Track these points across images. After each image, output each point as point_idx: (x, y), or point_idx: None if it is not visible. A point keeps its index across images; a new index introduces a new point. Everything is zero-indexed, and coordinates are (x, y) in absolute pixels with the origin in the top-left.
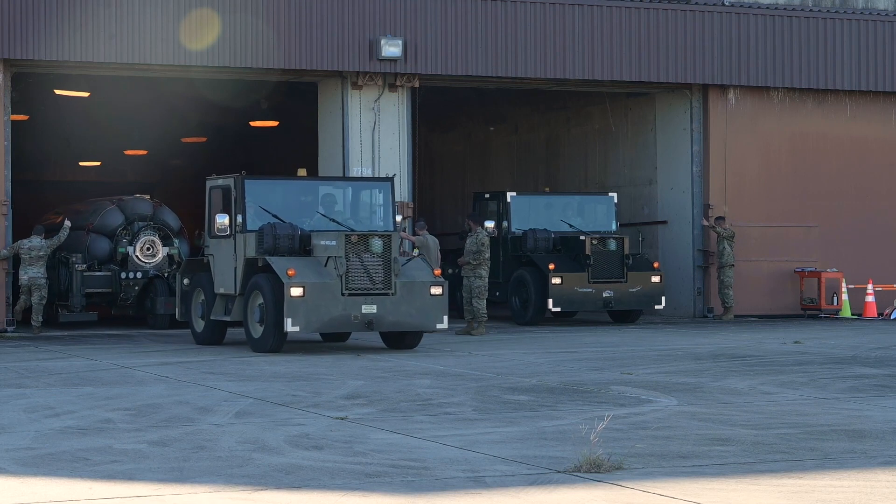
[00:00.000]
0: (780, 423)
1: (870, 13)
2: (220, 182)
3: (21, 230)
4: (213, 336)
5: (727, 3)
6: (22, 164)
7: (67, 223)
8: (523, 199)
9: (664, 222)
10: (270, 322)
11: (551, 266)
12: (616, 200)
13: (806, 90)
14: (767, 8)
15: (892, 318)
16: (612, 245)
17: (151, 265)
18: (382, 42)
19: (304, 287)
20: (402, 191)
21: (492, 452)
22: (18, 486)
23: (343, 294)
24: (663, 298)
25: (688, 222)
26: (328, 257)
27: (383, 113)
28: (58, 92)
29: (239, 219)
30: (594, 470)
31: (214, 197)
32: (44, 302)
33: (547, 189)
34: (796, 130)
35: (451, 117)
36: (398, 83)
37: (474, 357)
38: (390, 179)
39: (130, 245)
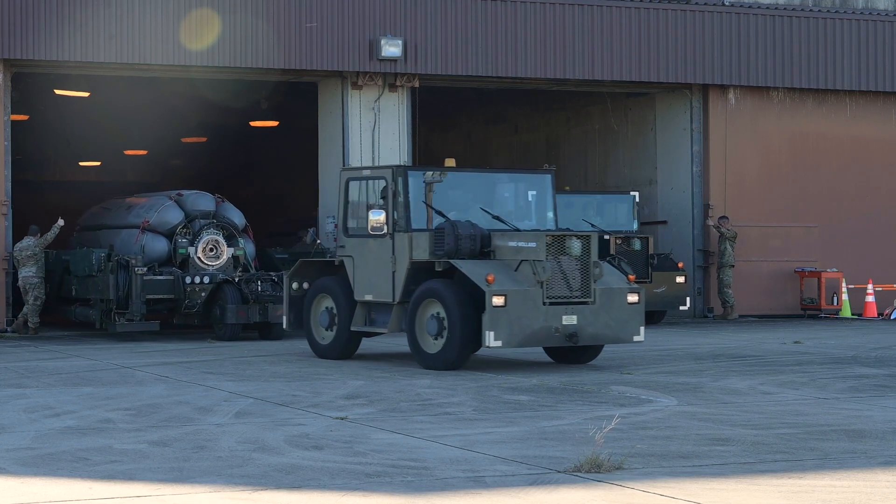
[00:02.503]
0: (780, 423)
1: (870, 13)
2: (367, 174)
3: (21, 230)
4: (346, 348)
5: (727, 3)
6: (22, 164)
7: (60, 221)
8: None
9: (664, 222)
10: (457, 336)
11: None
12: (637, 199)
13: (806, 90)
14: (767, 8)
15: (892, 318)
16: (637, 245)
17: (215, 268)
18: (382, 42)
19: (505, 296)
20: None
21: (492, 452)
22: (18, 486)
23: (544, 303)
24: (688, 299)
25: (688, 222)
26: (520, 261)
27: (383, 113)
28: (58, 92)
29: (396, 215)
30: (594, 470)
31: (355, 190)
32: (38, 303)
33: (567, 188)
34: (796, 130)
35: (451, 117)
36: (398, 83)
37: (474, 357)
38: (551, 171)
39: (191, 245)
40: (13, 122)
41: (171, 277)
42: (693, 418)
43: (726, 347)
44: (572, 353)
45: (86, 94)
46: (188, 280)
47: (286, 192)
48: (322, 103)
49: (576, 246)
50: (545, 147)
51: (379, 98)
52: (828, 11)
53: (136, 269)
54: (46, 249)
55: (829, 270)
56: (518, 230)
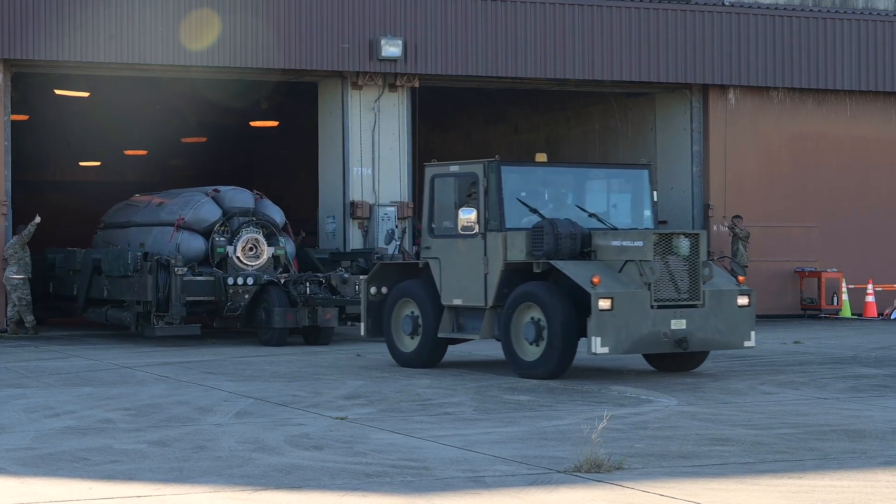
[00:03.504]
0: (780, 423)
1: (870, 13)
2: (454, 169)
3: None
4: (431, 356)
5: (727, 3)
6: (22, 164)
7: (37, 218)
8: None
9: (664, 222)
10: (559, 342)
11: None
12: (656, 199)
13: (806, 90)
14: (767, 8)
15: (892, 318)
16: None
17: (254, 268)
18: (382, 42)
19: (612, 299)
20: (402, 191)
21: (492, 452)
22: (18, 486)
23: (652, 307)
24: None
25: (688, 222)
26: (625, 261)
27: (383, 113)
28: (58, 92)
29: (488, 214)
30: (594, 470)
31: (442, 187)
32: (23, 302)
33: None
34: (796, 130)
35: (451, 117)
36: (398, 83)
37: (473, 357)
38: (648, 166)
39: (230, 244)
40: (13, 122)
41: (212, 278)
42: (693, 418)
43: None
44: (676, 359)
45: (86, 94)
46: (230, 281)
47: (286, 192)
48: (322, 103)
49: (684, 245)
50: (545, 147)
51: (379, 98)
52: (828, 11)
53: (176, 269)
54: (72, 248)
55: (829, 270)
56: (616, 229)
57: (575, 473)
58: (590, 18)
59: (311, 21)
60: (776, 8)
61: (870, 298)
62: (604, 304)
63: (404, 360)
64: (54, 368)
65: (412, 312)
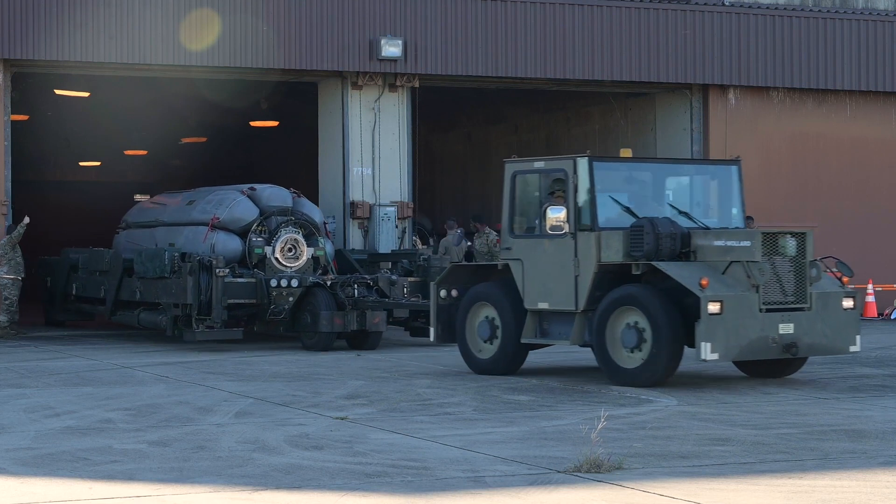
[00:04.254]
0: (780, 423)
1: (870, 13)
2: (540, 166)
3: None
4: (511, 363)
5: (727, 3)
6: (22, 164)
7: (26, 219)
8: None
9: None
10: (664, 348)
11: None
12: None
13: (806, 90)
14: (767, 8)
15: (892, 317)
16: None
17: (293, 269)
18: (382, 42)
19: (721, 302)
20: (403, 191)
21: (492, 452)
22: (18, 486)
23: (760, 310)
24: None
25: None
26: (730, 262)
27: (383, 113)
28: (58, 92)
29: (576, 212)
30: (594, 470)
31: (524, 185)
32: (8, 303)
33: None
34: (796, 130)
35: (451, 117)
36: (398, 83)
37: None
38: (738, 162)
39: (268, 245)
40: (13, 122)
41: (253, 280)
42: (693, 418)
43: None
44: (773, 365)
45: (86, 94)
46: (273, 283)
47: None
48: (322, 103)
49: (790, 245)
50: (545, 147)
51: (379, 98)
52: (828, 11)
53: (218, 270)
54: (99, 249)
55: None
56: (708, 228)
57: (575, 473)
58: (590, 18)
59: (311, 21)
60: (776, 8)
61: (870, 298)
62: (713, 307)
63: (481, 367)
64: (54, 368)
65: (489, 317)
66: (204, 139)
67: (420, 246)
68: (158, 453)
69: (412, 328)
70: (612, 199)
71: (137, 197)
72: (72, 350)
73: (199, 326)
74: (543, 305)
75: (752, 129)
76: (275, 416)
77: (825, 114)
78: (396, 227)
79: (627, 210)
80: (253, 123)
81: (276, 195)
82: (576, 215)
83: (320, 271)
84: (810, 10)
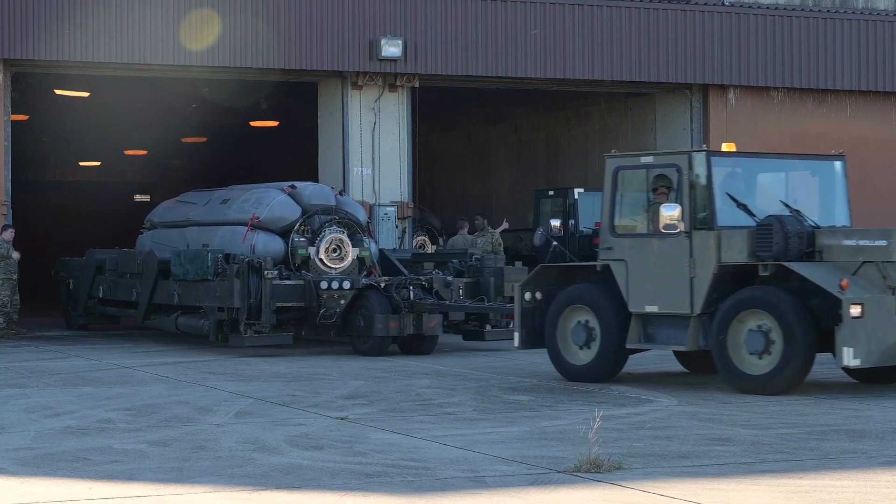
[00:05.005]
0: (780, 423)
1: (870, 13)
2: (648, 161)
3: (20, 231)
4: (611, 369)
5: (727, 3)
6: (22, 164)
7: (11, 232)
8: (590, 196)
9: None
10: (798, 353)
11: None
12: None
13: (806, 90)
14: (767, 8)
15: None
16: None
17: (338, 270)
18: (382, 42)
19: (862, 305)
20: (402, 191)
21: (492, 452)
22: (18, 486)
23: None
24: None
25: None
26: (862, 262)
27: (383, 113)
28: (58, 92)
29: (692, 210)
30: (594, 470)
31: (629, 181)
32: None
33: None
34: (796, 130)
35: (451, 117)
36: (398, 83)
37: (474, 357)
38: (842, 157)
39: (312, 245)
40: (13, 122)
41: (301, 282)
42: (693, 418)
43: None
44: (888, 371)
45: (86, 94)
46: (324, 285)
47: None
48: (322, 103)
49: None
50: (545, 147)
51: (379, 98)
52: (828, 11)
53: (266, 272)
54: (129, 250)
55: None
56: (818, 226)
57: (575, 473)
58: (590, 18)
59: (311, 21)
60: (776, 8)
61: None
62: (855, 310)
63: (576, 374)
64: (54, 368)
65: (584, 321)
66: (204, 139)
67: (429, 246)
68: (158, 453)
69: (465, 332)
70: (730, 196)
71: (138, 197)
72: (72, 350)
73: (247, 331)
74: (652, 309)
75: (752, 129)
76: (275, 416)
77: (825, 114)
78: (396, 227)
79: (743, 207)
80: (253, 123)
81: (319, 193)
82: (691, 213)
83: (365, 273)
84: (810, 10)
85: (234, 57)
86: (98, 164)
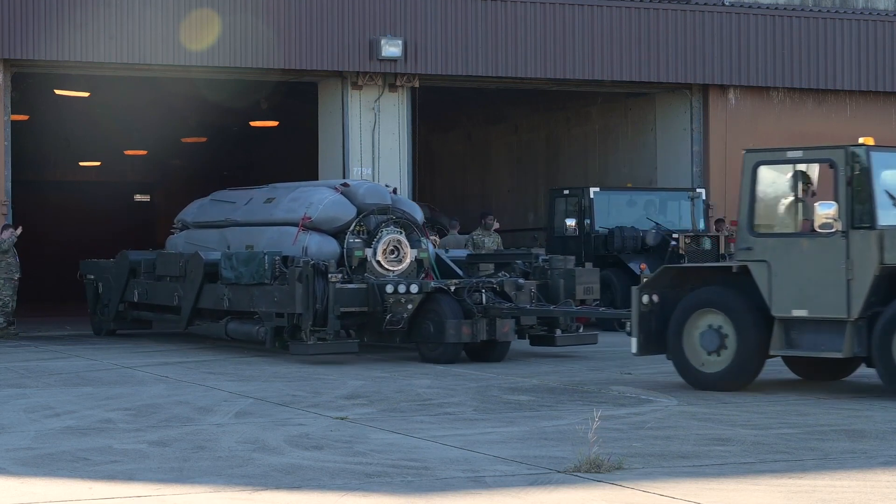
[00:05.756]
0: (780, 423)
1: (870, 13)
2: (795, 156)
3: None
4: (746, 377)
5: (727, 3)
6: (22, 164)
7: (18, 229)
8: (605, 196)
9: None
10: None
11: (643, 266)
12: (704, 197)
13: (806, 90)
14: (767, 8)
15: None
16: (707, 244)
17: (396, 273)
18: (382, 42)
19: None
20: (402, 191)
21: (492, 452)
22: (18, 486)
23: None
24: None
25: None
26: None
27: (383, 113)
28: (58, 92)
29: (849, 208)
30: (594, 470)
31: (772, 178)
32: (0, 304)
33: (629, 185)
34: (796, 130)
35: (451, 117)
36: (398, 83)
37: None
38: None
39: (368, 246)
40: (13, 122)
41: (364, 286)
42: (693, 418)
43: None
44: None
45: (86, 94)
46: (389, 289)
47: None
48: (322, 103)
49: None
50: (545, 147)
51: (379, 98)
52: (828, 11)
53: (331, 275)
54: (169, 252)
55: None
56: None
57: (575, 473)
58: (590, 18)
59: (311, 21)
60: (776, 8)
61: None
62: None
63: (705, 382)
64: (54, 368)
65: (715, 325)
66: (204, 139)
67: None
68: (158, 453)
69: (532, 337)
70: (889, 193)
71: (138, 197)
72: (72, 350)
73: (310, 338)
74: (800, 313)
75: (752, 129)
76: (275, 416)
77: (825, 114)
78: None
79: None
80: (253, 123)
81: (374, 192)
82: (849, 211)
83: (423, 275)
84: (810, 10)
85: (234, 57)
86: (98, 164)
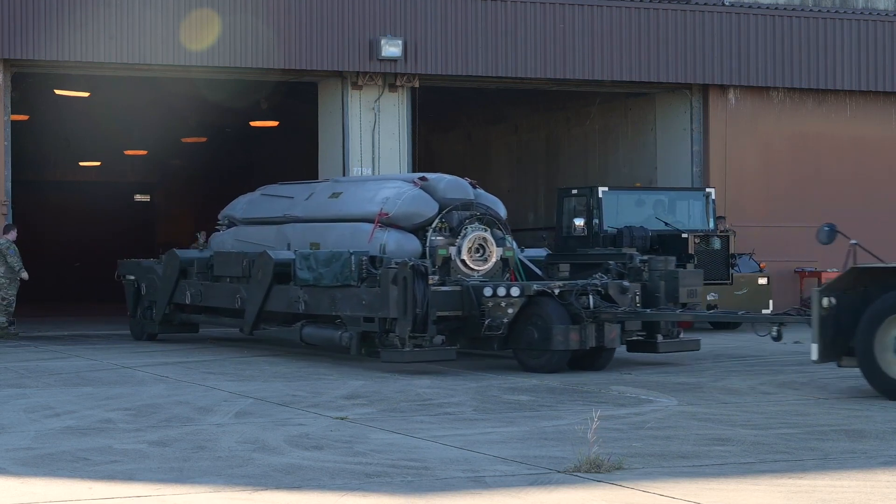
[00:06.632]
0: (780, 423)
1: (870, 13)
2: None
3: (20, 230)
4: None
5: (727, 3)
6: (22, 164)
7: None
8: (614, 195)
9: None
10: None
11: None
12: (714, 197)
13: (806, 90)
14: (767, 8)
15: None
16: (717, 244)
17: (482, 273)
18: (382, 42)
19: None
20: None
21: (492, 452)
22: (18, 486)
23: None
24: (771, 302)
25: None
26: None
27: (383, 113)
28: (58, 92)
29: None
30: (594, 470)
31: None
32: (5, 303)
33: (638, 184)
34: (796, 130)
35: (451, 117)
36: (398, 83)
37: (474, 357)
38: None
39: (452, 245)
40: (13, 122)
41: (458, 288)
42: (693, 418)
43: (726, 348)
44: None
45: (86, 94)
46: (488, 292)
47: None
48: (322, 103)
49: None
50: (545, 147)
51: (379, 98)
52: (828, 11)
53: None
54: (228, 251)
55: (829, 270)
56: None
57: (575, 473)
58: (590, 18)
59: (311, 21)
60: (776, 8)
61: None
62: None
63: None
64: (54, 368)
65: None
66: (204, 139)
67: None
68: (158, 453)
69: (630, 343)
70: None
71: (138, 197)
72: (72, 350)
73: (406, 345)
74: None
75: (752, 129)
76: (275, 416)
77: (825, 114)
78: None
79: None
80: (253, 123)
81: (456, 186)
82: None
83: (508, 276)
84: (810, 10)
85: (234, 57)
86: (98, 164)
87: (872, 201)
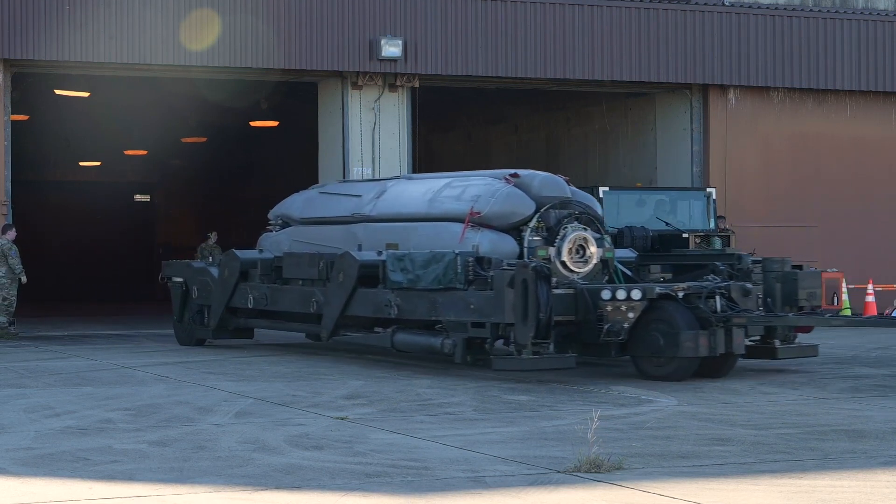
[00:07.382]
0: (780, 423)
1: (870, 13)
2: None
3: (20, 230)
4: None
5: (727, 3)
6: (22, 164)
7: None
8: (615, 195)
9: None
10: None
11: None
12: (714, 197)
13: (806, 90)
14: (767, 8)
15: (892, 317)
16: (718, 244)
17: (581, 275)
18: (382, 42)
19: None
20: None
21: (492, 452)
22: (18, 486)
23: None
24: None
25: None
26: None
27: (383, 113)
28: (58, 92)
29: None
30: (594, 470)
31: None
32: (6, 303)
33: (638, 184)
34: (796, 130)
35: (451, 117)
36: (398, 83)
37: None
38: None
39: (551, 245)
40: (13, 122)
41: (572, 291)
42: (693, 418)
43: None
44: None
45: (86, 94)
46: (606, 296)
47: (286, 192)
48: (322, 103)
49: None
50: (545, 147)
51: (379, 98)
52: (828, 11)
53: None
54: (300, 252)
55: (829, 270)
56: None
57: (575, 473)
58: (590, 18)
59: (311, 21)
60: (776, 8)
61: (870, 298)
62: None
63: None
64: (54, 368)
65: None
66: (204, 139)
67: None
68: (158, 453)
69: (749, 348)
70: None
71: (138, 197)
72: (72, 350)
73: (524, 352)
74: None
75: (752, 129)
76: (275, 416)
77: (825, 114)
78: None
79: None
80: (253, 123)
81: (552, 183)
82: None
83: (606, 277)
84: (810, 10)
85: (234, 57)
86: (98, 164)
87: (872, 201)
